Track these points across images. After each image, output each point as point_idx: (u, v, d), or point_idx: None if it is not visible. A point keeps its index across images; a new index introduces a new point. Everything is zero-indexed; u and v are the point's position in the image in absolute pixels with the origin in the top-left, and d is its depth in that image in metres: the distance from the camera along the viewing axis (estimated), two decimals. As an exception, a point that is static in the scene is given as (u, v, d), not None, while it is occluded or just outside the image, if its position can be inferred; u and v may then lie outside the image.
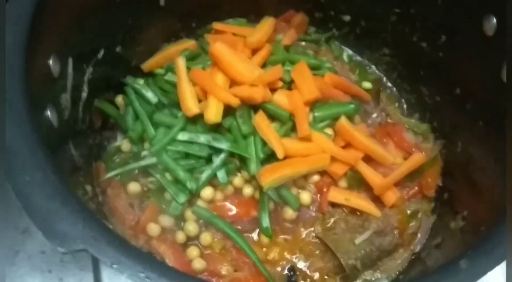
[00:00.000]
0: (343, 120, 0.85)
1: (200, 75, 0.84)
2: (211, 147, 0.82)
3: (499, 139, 0.66)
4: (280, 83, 0.87)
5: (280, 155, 0.79)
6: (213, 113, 0.79)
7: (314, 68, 0.91)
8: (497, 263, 0.46)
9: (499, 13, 0.67)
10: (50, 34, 0.61)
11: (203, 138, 0.82)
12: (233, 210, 0.82)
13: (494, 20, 0.68)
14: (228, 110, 0.83)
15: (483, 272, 0.45)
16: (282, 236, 0.83)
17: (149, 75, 0.91)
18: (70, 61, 0.67)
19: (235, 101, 0.80)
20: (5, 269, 0.90)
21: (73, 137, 0.70)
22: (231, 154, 0.82)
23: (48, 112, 0.58)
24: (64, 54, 0.65)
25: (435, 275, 0.45)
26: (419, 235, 0.83)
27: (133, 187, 0.82)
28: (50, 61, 0.61)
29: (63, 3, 0.62)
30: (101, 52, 0.79)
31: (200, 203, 0.82)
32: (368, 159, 0.86)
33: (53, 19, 0.61)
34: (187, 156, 0.83)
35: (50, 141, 0.54)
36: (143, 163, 0.82)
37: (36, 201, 0.45)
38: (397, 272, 0.81)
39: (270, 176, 0.78)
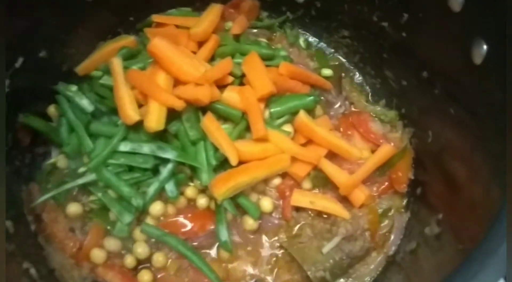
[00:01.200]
0: (302, 115, 0.77)
1: (138, 76, 0.74)
2: (156, 157, 0.73)
3: (475, 125, 0.59)
4: (231, 79, 0.78)
5: (233, 161, 0.71)
6: (154, 120, 0.70)
7: (268, 59, 0.83)
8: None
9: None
10: None
11: (146, 148, 0.73)
12: (188, 225, 0.74)
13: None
14: (174, 114, 0.74)
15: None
16: (243, 249, 0.75)
17: (84, 81, 0.81)
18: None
19: (179, 104, 0.72)
20: None
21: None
22: (181, 162, 0.74)
23: None
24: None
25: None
26: (392, 235, 0.76)
27: (73, 208, 0.74)
28: None
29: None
30: (19, 61, 0.69)
31: (149, 220, 0.74)
32: (333, 155, 0.79)
33: None
34: (131, 169, 0.74)
35: None
36: (81, 181, 0.73)
37: None
38: (371, 278, 0.74)
39: (224, 186, 0.70)
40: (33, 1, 0.68)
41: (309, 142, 0.79)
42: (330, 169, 0.76)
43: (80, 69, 0.81)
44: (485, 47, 0.57)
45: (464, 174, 0.63)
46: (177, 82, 0.76)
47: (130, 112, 0.72)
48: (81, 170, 0.74)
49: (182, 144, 0.75)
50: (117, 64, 0.77)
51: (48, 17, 0.72)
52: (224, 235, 0.73)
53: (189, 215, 0.74)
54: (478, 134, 0.60)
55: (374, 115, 0.85)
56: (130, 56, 0.82)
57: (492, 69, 0.56)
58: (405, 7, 0.73)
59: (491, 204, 0.50)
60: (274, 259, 0.75)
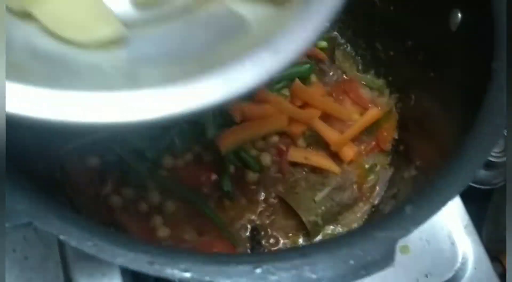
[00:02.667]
0: (298, 81, 0.85)
1: None
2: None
3: (444, 86, 0.68)
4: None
5: (237, 118, 0.79)
6: None
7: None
8: (439, 208, 0.47)
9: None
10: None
11: None
12: (195, 176, 0.83)
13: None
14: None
15: (427, 217, 0.47)
16: (244, 199, 0.84)
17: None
18: None
19: None
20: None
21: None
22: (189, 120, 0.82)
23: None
24: None
25: (382, 221, 0.47)
26: (377, 187, 0.84)
27: (93, 160, 0.82)
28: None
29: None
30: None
31: (161, 171, 0.82)
32: (326, 118, 0.87)
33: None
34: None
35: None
36: (99, 134, 0.81)
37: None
38: (357, 225, 0.83)
39: (228, 139, 0.79)
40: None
41: (304, 105, 0.87)
42: (323, 128, 0.85)
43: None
44: (459, 15, 0.66)
45: (437, 130, 0.72)
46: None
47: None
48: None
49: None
50: None
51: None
52: (227, 185, 0.82)
53: (196, 167, 0.83)
54: (446, 93, 0.69)
55: (364, 83, 0.93)
56: None
57: (465, 35, 0.65)
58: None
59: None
60: (272, 208, 0.83)
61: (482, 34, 0.61)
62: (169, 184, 0.80)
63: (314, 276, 0.43)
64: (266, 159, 0.84)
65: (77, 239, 0.43)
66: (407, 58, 0.83)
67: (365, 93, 0.91)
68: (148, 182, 0.81)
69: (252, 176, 0.83)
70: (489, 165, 1.14)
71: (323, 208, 0.82)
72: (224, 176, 0.82)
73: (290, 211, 0.83)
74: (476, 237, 0.98)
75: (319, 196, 0.82)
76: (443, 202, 0.47)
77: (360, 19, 0.94)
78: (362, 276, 0.44)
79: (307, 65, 0.89)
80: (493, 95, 0.53)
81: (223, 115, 0.81)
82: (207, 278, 0.42)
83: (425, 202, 0.48)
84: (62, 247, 0.89)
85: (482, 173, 1.16)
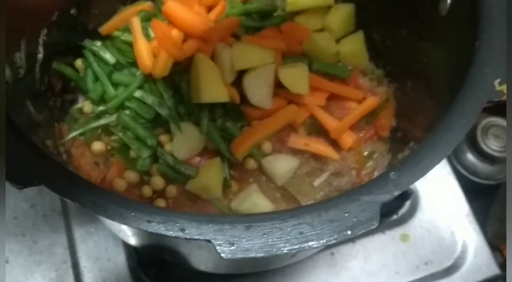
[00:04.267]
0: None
1: (160, 26, 0.85)
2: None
3: (435, 70, 0.72)
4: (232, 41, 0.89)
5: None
6: (161, 67, 0.81)
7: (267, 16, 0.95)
8: (422, 174, 0.49)
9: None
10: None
11: (150, 100, 0.84)
12: (197, 161, 0.85)
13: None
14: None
15: (410, 182, 0.49)
16: (244, 184, 0.86)
17: (107, 39, 0.93)
18: (23, 20, 0.69)
19: (178, 55, 0.82)
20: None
21: (32, 97, 0.72)
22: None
23: (1, 68, 0.60)
24: (15, 13, 0.66)
25: (368, 186, 0.49)
26: (375, 173, 0.86)
27: (97, 146, 0.85)
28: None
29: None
30: (55, 14, 0.80)
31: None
32: (325, 107, 0.89)
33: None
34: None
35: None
36: (103, 121, 0.85)
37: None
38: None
39: (242, 147, 0.82)
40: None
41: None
42: (323, 115, 0.87)
43: (103, 29, 0.92)
44: (448, 1, 0.68)
45: (430, 110, 0.74)
46: (187, 38, 0.87)
47: (147, 62, 0.84)
48: (101, 108, 0.85)
49: (184, 98, 0.85)
50: (136, 22, 0.88)
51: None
52: (225, 172, 0.84)
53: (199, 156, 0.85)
54: (442, 74, 0.71)
55: (363, 73, 0.95)
56: (146, 19, 0.93)
57: (454, 20, 0.68)
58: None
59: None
60: (272, 192, 0.86)
61: (468, 18, 0.63)
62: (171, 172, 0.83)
63: (302, 235, 0.45)
64: (267, 146, 0.86)
65: (80, 199, 0.45)
66: (404, 47, 0.86)
67: (364, 82, 0.93)
68: (152, 167, 0.84)
69: (253, 163, 0.86)
70: (492, 160, 1.15)
71: (321, 193, 0.84)
72: (223, 164, 0.84)
73: (289, 197, 0.85)
74: (476, 226, 1.00)
75: (317, 181, 0.84)
76: (425, 169, 0.49)
77: (360, 12, 0.97)
78: (348, 236, 0.46)
79: (348, 68, 0.93)
80: (476, 71, 0.55)
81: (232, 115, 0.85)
82: (202, 237, 0.45)
83: (407, 168, 0.50)
84: (70, 232, 0.93)
85: (486, 168, 1.17)
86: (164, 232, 0.45)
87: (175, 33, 0.86)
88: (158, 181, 0.83)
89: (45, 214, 0.94)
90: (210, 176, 0.80)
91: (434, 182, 1.03)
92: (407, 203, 1.01)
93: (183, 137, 0.83)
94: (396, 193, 0.48)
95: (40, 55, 0.77)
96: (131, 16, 0.92)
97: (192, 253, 0.76)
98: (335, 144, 0.88)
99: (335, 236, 0.46)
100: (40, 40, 0.76)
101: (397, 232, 0.98)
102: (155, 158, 0.84)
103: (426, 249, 0.97)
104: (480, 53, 0.56)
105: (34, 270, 0.91)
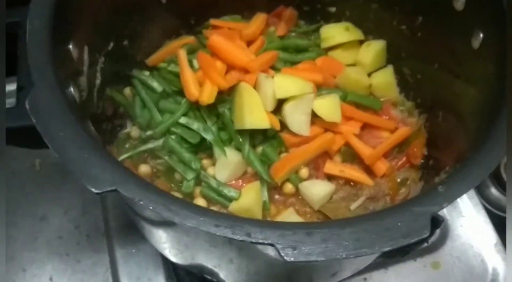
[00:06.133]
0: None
1: (205, 58, 0.91)
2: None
3: (466, 103, 0.77)
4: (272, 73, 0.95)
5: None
6: (206, 96, 0.86)
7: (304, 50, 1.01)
8: (470, 187, 0.53)
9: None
10: (69, 24, 0.69)
11: (196, 125, 0.89)
12: (239, 184, 0.89)
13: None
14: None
15: (458, 195, 0.52)
16: (283, 206, 0.90)
17: (153, 69, 0.99)
18: (86, 48, 0.75)
19: (224, 84, 0.88)
20: (25, 253, 0.96)
21: (91, 119, 0.77)
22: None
23: (71, 89, 0.66)
24: (81, 42, 0.73)
25: (418, 198, 0.53)
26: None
27: (144, 168, 0.90)
28: (70, 46, 0.68)
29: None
30: (111, 45, 0.86)
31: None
32: (360, 136, 0.94)
33: (71, 13, 0.69)
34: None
35: (74, 112, 0.61)
36: (150, 145, 0.90)
37: (70, 151, 0.52)
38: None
39: (281, 172, 0.86)
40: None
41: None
42: (358, 144, 0.91)
43: (150, 60, 0.99)
44: (481, 35, 0.73)
45: (461, 141, 0.78)
46: (230, 69, 0.93)
47: (193, 90, 0.89)
48: (149, 133, 0.91)
49: (226, 123, 0.90)
50: (182, 54, 0.94)
51: (133, 12, 0.90)
52: (264, 196, 0.88)
53: (240, 180, 0.90)
54: (476, 111, 0.75)
55: (394, 105, 1.00)
56: (190, 52, 0.99)
57: (486, 52, 0.73)
58: (420, 11, 0.90)
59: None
60: (309, 216, 0.89)
61: (500, 51, 0.68)
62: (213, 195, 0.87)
63: (359, 242, 0.49)
64: (304, 172, 0.91)
65: (154, 203, 0.50)
66: (433, 81, 0.91)
67: (395, 113, 0.98)
68: (195, 190, 0.88)
69: (290, 187, 0.90)
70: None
71: (357, 216, 0.87)
72: (263, 188, 0.88)
73: (326, 220, 0.88)
74: (505, 254, 1.01)
75: (354, 205, 0.87)
76: (470, 184, 0.53)
77: (390, 46, 1.02)
78: (401, 244, 0.49)
79: (380, 99, 0.99)
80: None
81: (272, 142, 0.90)
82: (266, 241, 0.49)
83: (455, 183, 0.53)
84: (112, 252, 0.96)
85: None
86: (231, 236, 0.49)
87: (218, 64, 0.92)
88: (200, 202, 0.87)
89: (88, 234, 0.98)
90: (252, 198, 0.84)
91: (462, 211, 1.06)
92: (437, 231, 1.03)
93: (225, 162, 0.87)
94: (445, 205, 0.51)
95: (97, 81, 0.82)
96: (176, 49, 0.98)
97: (234, 271, 0.79)
98: (369, 171, 0.92)
99: (390, 243, 0.49)
100: (98, 67, 0.83)
101: (428, 259, 1.00)
102: (197, 181, 0.89)
103: (456, 276, 0.99)
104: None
105: (76, 289, 0.94)
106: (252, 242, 0.49)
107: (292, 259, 0.48)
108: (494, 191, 1.19)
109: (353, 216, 0.84)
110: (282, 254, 0.48)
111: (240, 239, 0.49)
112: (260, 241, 0.49)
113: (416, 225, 0.50)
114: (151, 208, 0.50)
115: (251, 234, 0.49)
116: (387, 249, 0.49)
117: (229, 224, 0.49)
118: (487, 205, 1.16)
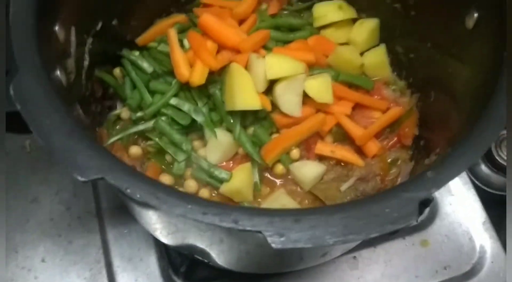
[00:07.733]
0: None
1: (196, 37, 0.90)
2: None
3: (459, 82, 0.76)
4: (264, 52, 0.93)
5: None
6: (197, 76, 0.85)
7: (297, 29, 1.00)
8: (457, 173, 0.53)
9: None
10: (54, 4, 0.67)
11: (186, 107, 0.88)
12: (230, 165, 0.89)
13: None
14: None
15: (447, 181, 0.52)
16: (274, 188, 0.90)
17: (143, 49, 0.98)
18: (73, 29, 0.74)
19: (214, 65, 0.86)
20: (17, 235, 0.97)
21: (79, 101, 0.76)
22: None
23: (58, 72, 0.65)
24: (67, 23, 0.71)
25: (406, 184, 0.53)
26: (399, 179, 0.90)
27: (134, 150, 0.89)
28: (56, 28, 0.67)
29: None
30: (99, 24, 0.85)
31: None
32: (351, 116, 0.93)
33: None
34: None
35: (61, 97, 0.60)
36: (141, 127, 0.89)
37: (56, 139, 0.52)
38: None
39: (272, 153, 0.86)
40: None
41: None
42: (349, 124, 0.91)
43: (140, 40, 0.98)
44: (476, 15, 0.73)
45: (454, 122, 0.78)
46: (221, 49, 0.92)
47: (183, 71, 0.88)
48: (139, 114, 0.90)
49: (217, 104, 0.89)
50: (172, 33, 0.93)
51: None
52: (255, 177, 0.88)
53: (231, 161, 0.90)
54: (470, 92, 0.75)
55: (387, 84, 0.99)
56: (181, 31, 0.98)
57: (481, 32, 0.72)
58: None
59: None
60: (300, 197, 0.89)
61: (494, 32, 0.68)
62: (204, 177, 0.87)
63: (347, 228, 0.49)
64: (295, 153, 0.91)
65: (141, 191, 0.49)
66: (427, 60, 0.90)
67: (388, 93, 0.97)
68: (186, 172, 0.88)
69: (281, 169, 0.90)
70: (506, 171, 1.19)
71: (348, 197, 0.87)
72: (254, 168, 0.88)
73: (317, 201, 0.88)
74: (493, 233, 1.03)
75: (344, 186, 0.88)
76: (459, 169, 0.53)
77: (384, 26, 1.01)
78: (389, 230, 0.50)
79: (372, 79, 0.98)
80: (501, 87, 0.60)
81: (263, 123, 0.90)
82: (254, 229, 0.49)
83: (443, 168, 0.54)
84: (104, 233, 0.97)
85: (500, 179, 1.21)
86: (219, 223, 0.49)
87: (209, 44, 0.90)
88: (191, 184, 0.87)
89: (79, 216, 0.99)
90: (243, 179, 0.84)
91: (452, 189, 1.07)
92: (426, 210, 1.04)
93: (216, 143, 0.87)
94: (434, 190, 0.51)
95: (86, 62, 0.81)
96: (166, 28, 0.97)
97: (225, 251, 0.80)
98: (360, 151, 0.92)
99: (378, 229, 0.49)
100: (86, 48, 0.81)
101: (416, 237, 1.02)
102: (188, 162, 0.88)
103: (445, 254, 1.01)
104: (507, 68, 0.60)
105: (69, 270, 0.95)
106: (239, 230, 0.49)
107: (279, 246, 0.48)
108: (484, 168, 1.20)
109: (342, 202, 0.86)
110: (270, 241, 0.48)
111: (227, 226, 0.49)
112: (248, 228, 0.49)
113: (404, 211, 0.50)
114: (138, 196, 0.50)
115: (238, 221, 0.49)
116: (374, 235, 0.49)
117: (217, 212, 0.49)
118: (476, 182, 1.17)
